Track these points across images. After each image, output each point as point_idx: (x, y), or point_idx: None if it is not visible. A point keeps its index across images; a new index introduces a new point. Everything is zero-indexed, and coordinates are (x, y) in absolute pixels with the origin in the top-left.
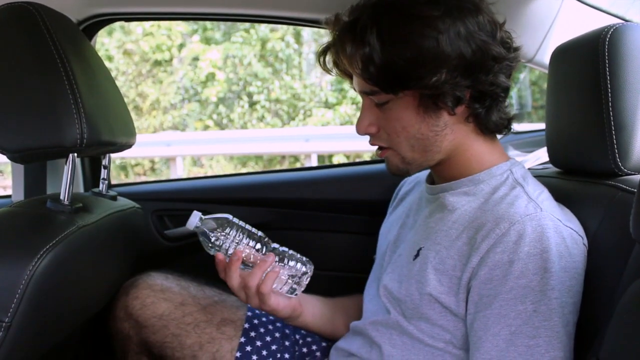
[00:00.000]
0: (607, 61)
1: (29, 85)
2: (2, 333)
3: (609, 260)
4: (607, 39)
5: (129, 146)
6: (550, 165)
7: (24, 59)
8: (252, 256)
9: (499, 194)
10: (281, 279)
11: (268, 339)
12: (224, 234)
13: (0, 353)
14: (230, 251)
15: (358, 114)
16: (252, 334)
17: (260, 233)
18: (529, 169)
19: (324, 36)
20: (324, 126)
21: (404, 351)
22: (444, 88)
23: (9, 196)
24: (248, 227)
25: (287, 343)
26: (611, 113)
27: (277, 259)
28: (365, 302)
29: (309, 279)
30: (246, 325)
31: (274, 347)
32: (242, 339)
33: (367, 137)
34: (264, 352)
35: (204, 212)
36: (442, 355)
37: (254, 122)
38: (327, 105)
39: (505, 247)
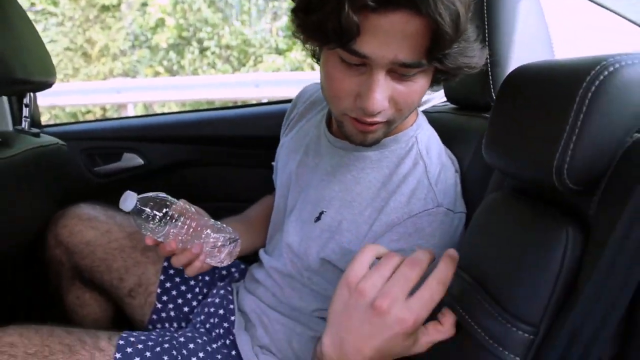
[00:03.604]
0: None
1: None
2: None
3: (479, 190)
4: None
5: (48, 85)
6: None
7: None
8: (183, 236)
9: (403, 168)
10: (210, 251)
11: None
12: (160, 215)
13: None
14: (162, 233)
15: (309, 59)
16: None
17: (194, 208)
18: (434, 106)
19: None
20: (274, 72)
21: (301, 294)
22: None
23: None
24: (181, 202)
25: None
26: (487, 50)
27: (209, 231)
28: (268, 239)
29: (237, 249)
30: None
31: None
32: (165, 263)
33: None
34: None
35: (132, 150)
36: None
37: (204, 69)
38: (278, 51)
39: (400, 237)
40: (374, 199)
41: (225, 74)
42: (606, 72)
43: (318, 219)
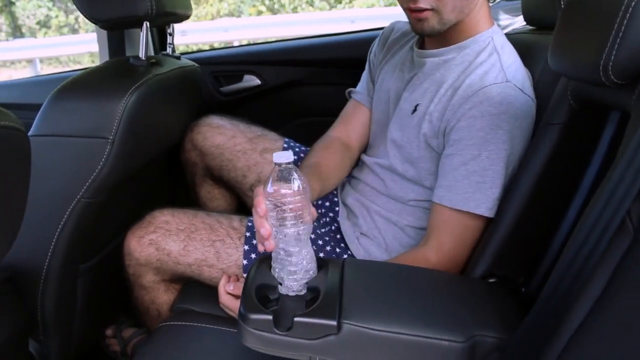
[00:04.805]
0: None
1: None
2: (109, 146)
3: (547, 98)
4: None
5: (187, 16)
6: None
7: None
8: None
9: (479, 59)
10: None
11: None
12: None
13: (109, 162)
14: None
15: None
16: None
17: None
18: (514, 29)
19: None
20: (369, 8)
21: (400, 185)
22: None
23: None
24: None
25: None
26: None
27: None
28: (370, 145)
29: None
30: None
31: None
32: None
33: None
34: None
35: (251, 73)
36: (428, 192)
37: (303, 7)
38: None
39: (473, 105)
40: (454, 81)
41: (323, 11)
42: None
43: (414, 111)
